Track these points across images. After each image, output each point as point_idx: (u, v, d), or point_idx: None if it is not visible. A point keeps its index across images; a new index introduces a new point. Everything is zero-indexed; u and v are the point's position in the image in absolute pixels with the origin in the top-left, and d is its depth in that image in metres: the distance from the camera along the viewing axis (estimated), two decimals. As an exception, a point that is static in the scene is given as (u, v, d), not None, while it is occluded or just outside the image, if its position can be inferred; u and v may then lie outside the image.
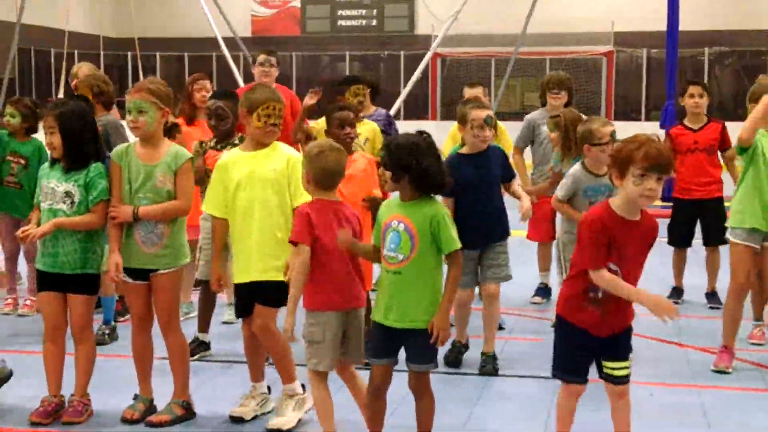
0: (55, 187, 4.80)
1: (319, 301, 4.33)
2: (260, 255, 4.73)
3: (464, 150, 5.86)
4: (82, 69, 7.67)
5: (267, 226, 4.74)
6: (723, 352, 5.86)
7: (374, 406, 4.34)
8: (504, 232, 5.90)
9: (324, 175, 4.36)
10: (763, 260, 5.87)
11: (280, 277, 4.60)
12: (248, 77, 16.73)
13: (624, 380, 4.09)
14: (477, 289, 6.04)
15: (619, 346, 4.06)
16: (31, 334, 6.46)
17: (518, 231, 9.80)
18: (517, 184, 6.07)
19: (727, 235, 5.93)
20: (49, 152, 4.91)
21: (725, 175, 7.52)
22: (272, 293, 4.75)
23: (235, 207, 4.80)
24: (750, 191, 5.76)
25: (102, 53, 24.48)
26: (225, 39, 18.07)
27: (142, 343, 4.97)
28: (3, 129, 7.29)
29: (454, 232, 4.12)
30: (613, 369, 4.06)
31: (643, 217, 3.94)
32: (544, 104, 7.67)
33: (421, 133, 4.20)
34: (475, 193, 5.65)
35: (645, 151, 3.78)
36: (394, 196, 4.36)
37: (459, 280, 4.22)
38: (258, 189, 4.75)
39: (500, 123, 6.84)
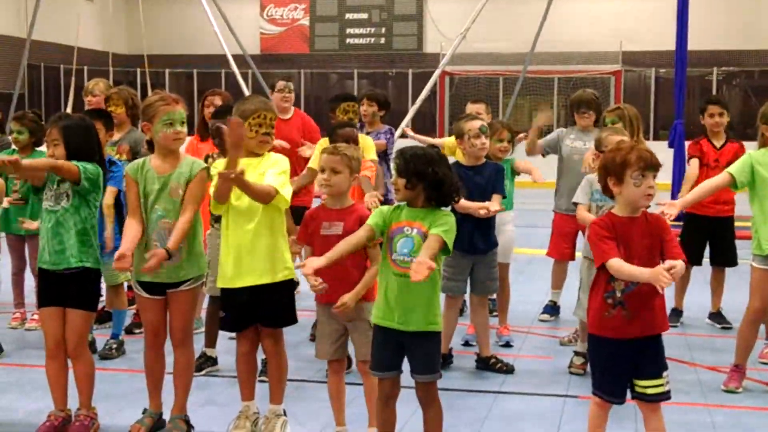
0: (57, 190, 4.78)
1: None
2: (256, 260, 4.67)
3: (463, 160, 6.17)
4: (99, 85, 7.70)
5: (264, 231, 4.70)
6: (734, 372, 5.83)
7: (384, 416, 4.36)
8: (492, 243, 6.17)
9: None
10: None
11: (277, 278, 4.72)
12: (257, 94, 16.76)
13: (656, 398, 4.13)
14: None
15: (650, 362, 4.11)
16: (38, 348, 6.43)
17: (526, 249, 9.84)
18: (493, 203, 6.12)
19: (750, 261, 5.86)
20: None
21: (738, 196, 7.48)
22: (276, 306, 4.78)
23: (230, 213, 4.73)
24: (760, 217, 5.72)
25: (111, 69, 24.53)
26: (234, 56, 18.11)
27: (154, 358, 4.94)
28: (7, 147, 7.30)
29: (452, 237, 4.15)
30: (646, 387, 4.12)
31: (645, 214, 4.13)
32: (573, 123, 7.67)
33: (432, 146, 4.27)
34: (472, 201, 5.85)
35: (638, 154, 4.04)
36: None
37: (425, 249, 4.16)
38: (253, 205, 4.67)
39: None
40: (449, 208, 4.33)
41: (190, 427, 4.89)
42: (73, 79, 21.36)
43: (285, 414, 4.92)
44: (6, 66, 23.48)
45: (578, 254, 6.70)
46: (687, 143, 7.93)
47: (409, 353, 4.24)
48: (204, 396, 5.55)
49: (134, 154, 6.72)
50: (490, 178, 6.08)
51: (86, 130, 4.89)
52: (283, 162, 4.81)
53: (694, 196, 5.79)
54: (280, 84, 7.77)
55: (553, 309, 7.80)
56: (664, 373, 4.13)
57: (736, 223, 7.58)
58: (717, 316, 7.61)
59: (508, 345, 6.82)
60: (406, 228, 4.18)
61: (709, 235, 7.48)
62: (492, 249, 6.16)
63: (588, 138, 7.20)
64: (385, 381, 4.29)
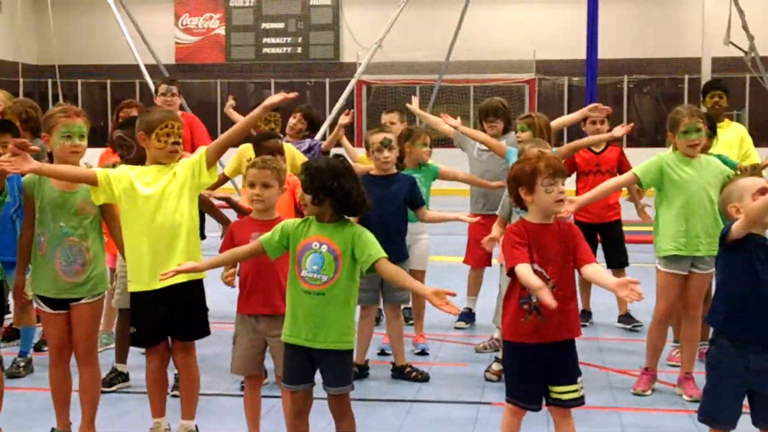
0: None
1: None
2: (174, 260, 4.53)
3: (373, 171, 6.19)
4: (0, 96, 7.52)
5: (183, 237, 4.61)
6: (644, 375, 5.95)
7: (297, 429, 4.32)
8: (403, 255, 6.09)
9: None
10: (688, 286, 5.84)
11: (194, 277, 4.58)
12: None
13: (571, 404, 4.20)
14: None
15: (565, 368, 4.18)
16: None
17: (442, 256, 9.89)
18: (429, 211, 6.24)
19: (655, 264, 5.96)
20: None
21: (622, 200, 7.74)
22: (190, 321, 4.74)
23: (147, 221, 4.60)
24: (667, 219, 5.81)
25: (21, 80, 24.03)
26: (148, 66, 17.85)
27: (60, 375, 4.84)
28: None
29: (376, 246, 4.13)
30: (561, 393, 4.18)
31: (556, 222, 4.22)
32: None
33: (337, 156, 4.25)
34: (377, 211, 5.72)
35: (546, 162, 4.13)
36: None
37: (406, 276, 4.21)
38: (171, 205, 4.61)
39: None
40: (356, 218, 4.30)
41: (99, 445, 4.81)
42: (-18, 90, 20.81)
43: (197, 429, 4.86)
44: None
45: (495, 261, 6.76)
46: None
47: (320, 367, 4.21)
48: (114, 412, 5.44)
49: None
50: (401, 189, 6.10)
51: None
52: (192, 159, 4.73)
53: (594, 194, 5.90)
54: (162, 88, 7.83)
55: (468, 316, 7.85)
56: (579, 379, 4.20)
57: (624, 228, 7.86)
58: (626, 318, 7.80)
59: (423, 353, 6.85)
60: (314, 243, 4.12)
61: (601, 240, 7.68)
62: (402, 260, 6.05)
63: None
64: (297, 394, 4.26)
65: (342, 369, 4.19)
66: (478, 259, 7.61)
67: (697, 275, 5.79)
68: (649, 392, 5.88)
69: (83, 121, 4.74)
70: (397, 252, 6.05)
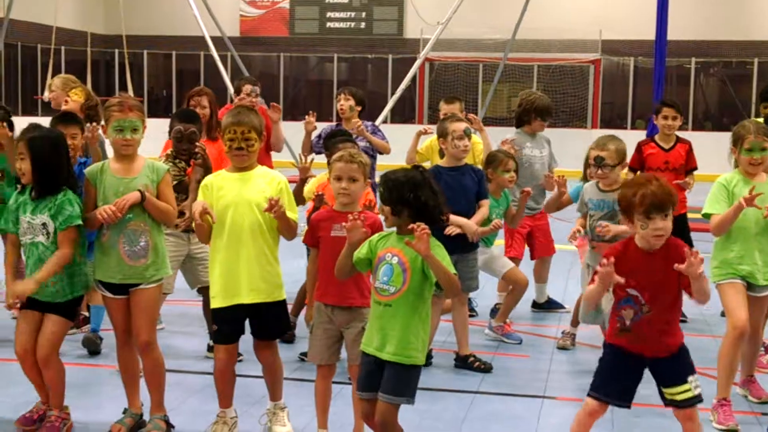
0: (31, 220, 4.71)
1: None
2: (250, 278, 4.72)
3: (444, 162, 6.26)
4: (55, 81, 7.56)
5: (258, 249, 4.73)
6: (723, 407, 5.36)
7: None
8: (474, 245, 6.17)
9: None
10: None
11: (272, 298, 4.77)
12: (236, 77, 16.75)
13: (687, 403, 4.15)
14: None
15: (670, 370, 4.14)
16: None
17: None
18: (482, 210, 6.21)
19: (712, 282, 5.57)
20: (19, 177, 4.82)
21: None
22: (272, 321, 4.85)
23: (222, 229, 4.73)
24: (720, 242, 5.50)
25: (89, 50, 24.33)
26: (213, 38, 17.98)
27: (128, 358, 4.95)
28: None
29: (447, 261, 4.12)
30: (674, 394, 4.16)
31: (665, 247, 4.07)
32: (522, 122, 7.71)
33: (416, 167, 4.26)
34: (451, 202, 5.75)
35: (641, 196, 3.98)
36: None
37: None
38: (248, 211, 4.72)
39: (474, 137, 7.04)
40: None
41: (170, 426, 4.91)
42: (51, 58, 21.20)
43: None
44: (-18, 44, 23.23)
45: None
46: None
47: (386, 373, 4.18)
48: (181, 394, 5.55)
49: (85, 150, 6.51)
50: (473, 180, 6.15)
51: (53, 143, 4.78)
52: (287, 187, 4.86)
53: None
54: (247, 88, 7.79)
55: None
56: (690, 378, 4.13)
57: (690, 215, 7.64)
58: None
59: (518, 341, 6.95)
60: (388, 255, 4.16)
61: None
62: (474, 249, 6.18)
63: (539, 144, 7.60)
64: (364, 401, 4.29)
65: (397, 381, 4.14)
66: (519, 251, 7.55)
67: (752, 298, 5.43)
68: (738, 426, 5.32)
69: (136, 116, 4.78)
70: (468, 240, 6.09)
